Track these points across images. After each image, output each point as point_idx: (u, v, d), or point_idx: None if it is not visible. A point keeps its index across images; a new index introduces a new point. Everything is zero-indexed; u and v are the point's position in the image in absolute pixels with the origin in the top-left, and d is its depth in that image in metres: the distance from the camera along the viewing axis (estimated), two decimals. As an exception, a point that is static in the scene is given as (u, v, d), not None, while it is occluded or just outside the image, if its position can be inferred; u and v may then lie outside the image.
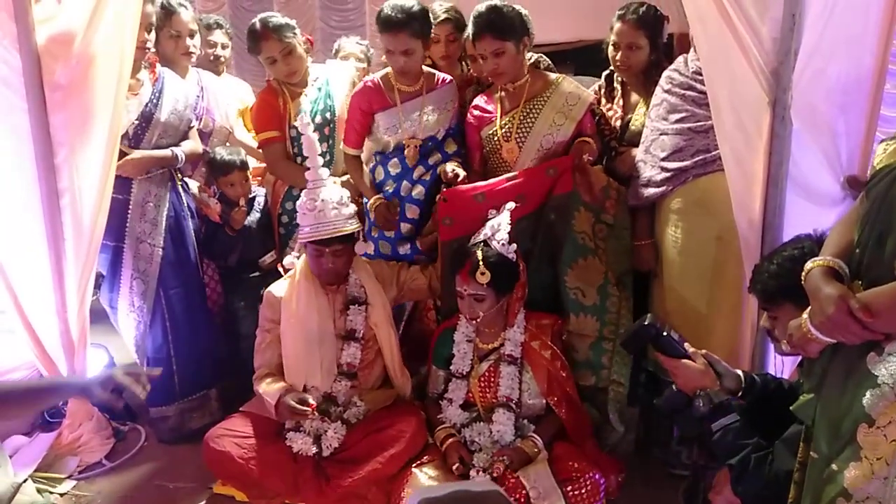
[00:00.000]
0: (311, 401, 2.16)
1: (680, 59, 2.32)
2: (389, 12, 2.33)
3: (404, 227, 2.52)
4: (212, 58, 3.24)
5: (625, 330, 1.75)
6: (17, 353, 2.62)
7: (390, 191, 2.52)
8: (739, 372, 1.75)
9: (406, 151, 2.49)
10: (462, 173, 2.37)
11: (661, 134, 2.27)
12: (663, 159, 2.25)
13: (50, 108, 2.32)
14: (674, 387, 1.72)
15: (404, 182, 2.50)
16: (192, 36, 2.85)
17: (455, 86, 2.58)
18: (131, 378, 1.62)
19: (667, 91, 2.28)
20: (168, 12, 2.77)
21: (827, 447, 1.33)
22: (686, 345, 1.73)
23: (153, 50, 2.66)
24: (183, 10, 2.82)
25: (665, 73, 2.33)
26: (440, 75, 2.56)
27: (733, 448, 1.58)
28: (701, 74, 2.14)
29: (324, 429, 2.23)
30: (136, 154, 2.54)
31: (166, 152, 2.62)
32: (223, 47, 3.28)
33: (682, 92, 2.23)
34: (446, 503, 1.53)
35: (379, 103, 2.50)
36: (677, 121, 2.23)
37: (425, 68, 2.54)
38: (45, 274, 2.44)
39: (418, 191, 2.49)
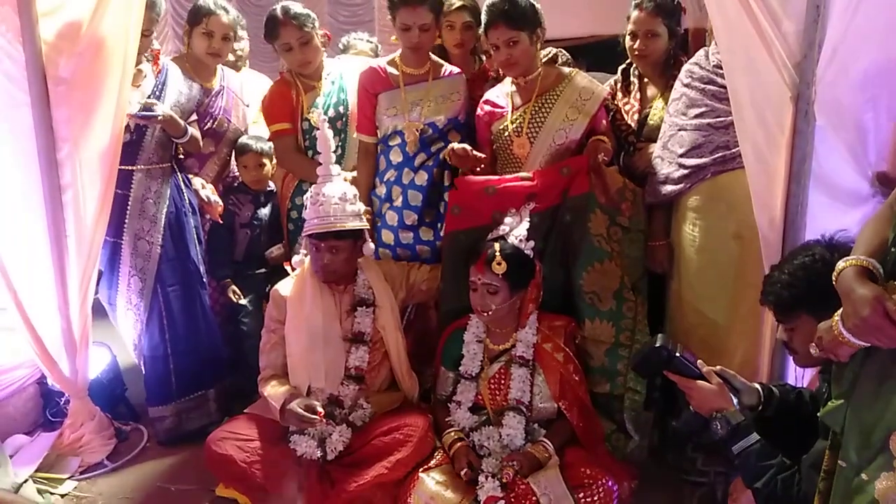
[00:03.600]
0: (319, 408, 2.10)
1: (700, 52, 2.26)
2: None
3: (408, 215, 2.47)
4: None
5: (634, 353, 1.67)
6: (18, 351, 2.58)
7: (392, 179, 2.49)
8: (757, 385, 1.69)
9: (406, 136, 2.46)
10: (476, 154, 2.32)
11: (679, 129, 2.21)
12: (681, 156, 2.19)
13: (53, 102, 2.29)
14: (690, 408, 1.65)
15: (405, 170, 2.47)
16: (226, 39, 2.77)
17: (463, 79, 2.55)
18: None
19: (686, 85, 2.23)
20: (208, 11, 2.71)
21: (856, 456, 1.26)
22: (700, 362, 1.65)
23: (156, 45, 2.63)
24: (223, 13, 2.74)
25: (685, 67, 2.27)
26: (448, 66, 2.53)
27: (757, 470, 1.51)
28: (722, 68, 2.08)
29: (329, 432, 2.16)
30: (167, 111, 2.50)
31: (180, 121, 2.56)
32: (238, 40, 3.22)
33: (702, 86, 2.17)
34: None
35: (382, 84, 2.49)
36: (696, 116, 2.17)
37: (434, 57, 2.52)
38: (46, 271, 2.40)
39: (421, 177, 2.46)
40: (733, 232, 2.13)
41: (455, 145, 2.34)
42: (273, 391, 2.19)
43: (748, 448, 1.52)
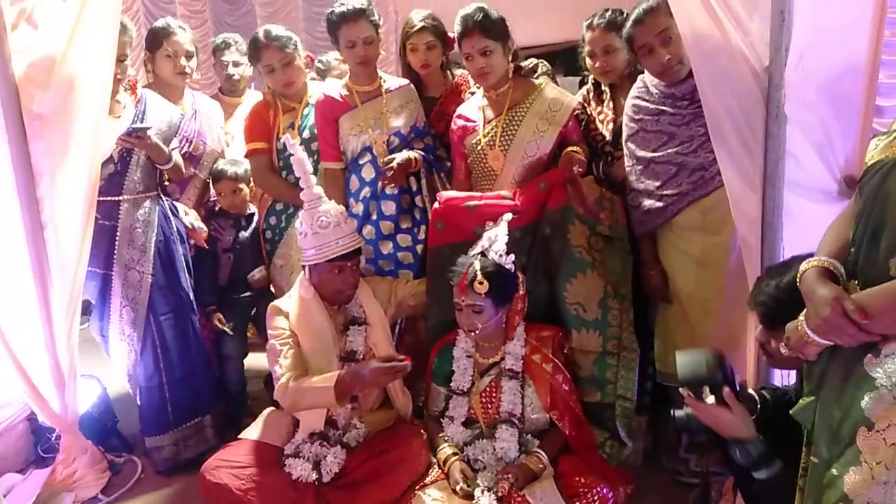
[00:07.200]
0: (399, 357, 2.12)
1: (638, 84, 2.27)
2: (343, 7, 2.39)
3: (384, 224, 2.51)
4: (225, 78, 3.24)
5: (686, 362, 1.61)
6: (6, 389, 2.55)
7: (368, 196, 2.53)
8: (753, 393, 1.71)
9: (375, 149, 2.51)
10: (407, 155, 2.42)
11: (650, 163, 2.21)
12: (659, 188, 2.19)
13: (30, 137, 2.28)
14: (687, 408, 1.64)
15: (380, 184, 2.51)
16: (189, 57, 2.86)
17: (412, 88, 2.62)
18: None
19: (638, 121, 2.23)
20: (166, 32, 2.80)
21: (827, 451, 1.30)
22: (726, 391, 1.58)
23: (133, 73, 2.64)
24: (180, 32, 2.84)
25: (628, 103, 2.28)
26: (396, 79, 2.62)
27: (783, 499, 1.49)
28: (669, 98, 2.12)
29: (323, 454, 2.17)
30: (154, 138, 2.49)
31: (164, 147, 2.56)
32: (235, 65, 3.20)
33: (655, 118, 2.19)
34: None
35: (341, 108, 2.55)
36: (660, 146, 2.18)
37: (380, 72, 2.58)
38: (32, 308, 2.38)
39: (391, 187, 2.50)
40: (725, 248, 2.14)
41: (395, 163, 2.36)
42: (318, 381, 2.13)
43: (773, 476, 1.51)
